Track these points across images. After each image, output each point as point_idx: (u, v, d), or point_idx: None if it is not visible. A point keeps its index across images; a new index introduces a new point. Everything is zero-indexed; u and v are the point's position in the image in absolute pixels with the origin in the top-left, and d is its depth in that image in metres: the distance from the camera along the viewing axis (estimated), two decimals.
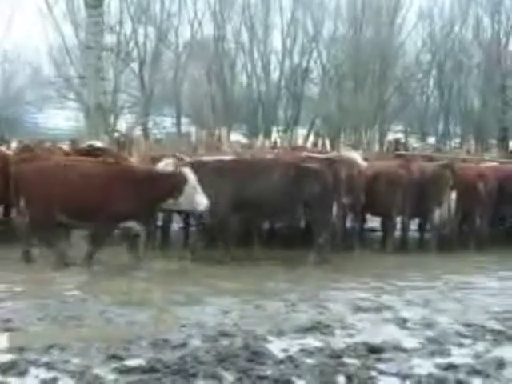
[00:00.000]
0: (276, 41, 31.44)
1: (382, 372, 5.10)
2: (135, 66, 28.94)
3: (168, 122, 30.24)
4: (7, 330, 5.93)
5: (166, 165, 9.48)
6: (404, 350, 5.63)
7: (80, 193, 8.85)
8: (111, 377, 4.86)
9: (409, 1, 31.94)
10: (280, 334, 6.02)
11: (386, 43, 30.43)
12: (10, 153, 11.36)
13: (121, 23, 27.89)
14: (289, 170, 10.08)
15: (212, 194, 9.31)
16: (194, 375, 4.90)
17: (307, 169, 10.08)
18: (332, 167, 10.23)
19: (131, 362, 5.13)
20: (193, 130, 26.74)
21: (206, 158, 10.76)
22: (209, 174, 9.68)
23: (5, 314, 6.35)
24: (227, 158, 11.07)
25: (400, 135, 31.45)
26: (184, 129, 28.50)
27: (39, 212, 8.93)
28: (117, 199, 8.89)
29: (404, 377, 5.03)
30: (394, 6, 31.12)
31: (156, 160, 10.00)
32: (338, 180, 10.22)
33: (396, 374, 5.07)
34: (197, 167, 9.60)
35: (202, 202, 9.15)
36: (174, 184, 9.08)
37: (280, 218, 10.95)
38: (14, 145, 11.05)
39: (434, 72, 34.23)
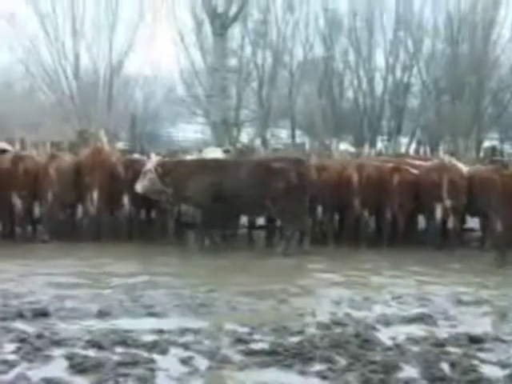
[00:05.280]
0: (379, 59, 30.98)
1: (483, 361, 4.93)
2: (255, 84, 29.19)
3: (284, 134, 30.32)
4: (150, 314, 6.10)
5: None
6: (503, 341, 5.41)
7: None
8: (238, 357, 4.92)
9: (503, 18, 30.73)
10: (387, 323, 5.93)
11: (482, 58, 29.39)
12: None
13: (242, 47, 28.20)
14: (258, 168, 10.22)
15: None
16: (311, 359, 4.89)
17: (274, 168, 10.03)
18: (298, 167, 10.13)
19: (255, 346, 5.17)
20: (306, 140, 26.76)
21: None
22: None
23: (147, 301, 6.54)
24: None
25: (495, 142, 30.25)
26: (298, 139, 28.54)
27: None
28: None
29: (504, 366, 4.83)
30: (488, 24, 30.01)
31: None
32: (303, 178, 10.12)
33: (496, 363, 4.89)
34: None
35: None
36: None
37: (252, 210, 10.79)
38: (152, 155, 11.40)
39: None
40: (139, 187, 10.28)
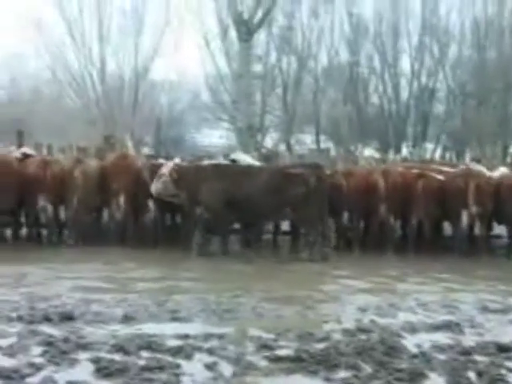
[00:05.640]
0: (405, 64, 30.83)
1: (511, 370, 4.85)
2: (279, 90, 29.22)
3: (308, 139, 30.26)
4: (175, 319, 6.11)
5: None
6: None
7: None
8: (263, 364, 4.90)
9: None
10: (413, 330, 5.87)
11: (509, 63, 29.10)
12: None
13: (267, 53, 28.27)
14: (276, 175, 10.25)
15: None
16: (336, 365, 4.86)
17: (292, 174, 10.04)
18: (316, 172, 10.10)
19: (280, 352, 5.14)
20: (331, 146, 26.70)
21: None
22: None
23: (172, 306, 6.55)
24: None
25: None
26: (322, 145, 28.49)
27: None
28: None
29: None
30: None
31: None
32: (322, 183, 10.13)
33: None
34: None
35: None
36: None
37: (270, 217, 10.83)
38: (177, 160, 11.48)
39: None
40: (153, 189, 10.40)
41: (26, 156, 11.60)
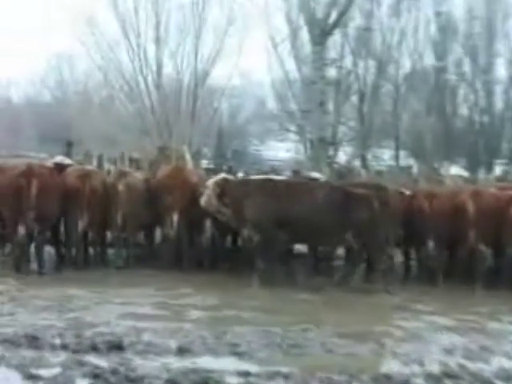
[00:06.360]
0: (500, 70, 30.40)
1: None
2: (355, 98, 29.16)
3: (386, 155, 30.10)
4: (234, 353, 6.11)
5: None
6: None
7: None
8: None
9: None
10: (509, 379, 5.71)
11: None
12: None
13: (342, 57, 28.27)
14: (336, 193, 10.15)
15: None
16: None
17: (355, 194, 9.96)
18: (379, 194, 10.00)
19: None
20: (412, 162, 26.47)
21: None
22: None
23: (232, 339, 6.56)
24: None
25: None
26: (402, 161, 28.26)
27: None
28: None
29: None
30: None
31: None
32: (387, 207, 10.00)
33: None
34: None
35: None
36: None
37: (329, 240, 10.67)
38: (240, 175, 11.56)
39: None
40: (202, 201, 10.49)
41: (61, 166, 11.62)
